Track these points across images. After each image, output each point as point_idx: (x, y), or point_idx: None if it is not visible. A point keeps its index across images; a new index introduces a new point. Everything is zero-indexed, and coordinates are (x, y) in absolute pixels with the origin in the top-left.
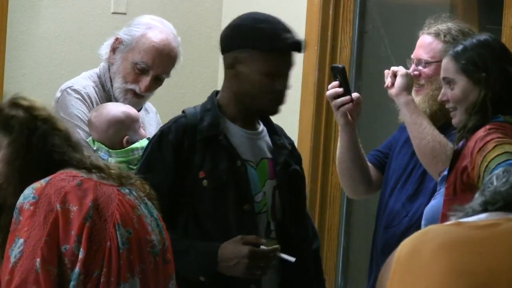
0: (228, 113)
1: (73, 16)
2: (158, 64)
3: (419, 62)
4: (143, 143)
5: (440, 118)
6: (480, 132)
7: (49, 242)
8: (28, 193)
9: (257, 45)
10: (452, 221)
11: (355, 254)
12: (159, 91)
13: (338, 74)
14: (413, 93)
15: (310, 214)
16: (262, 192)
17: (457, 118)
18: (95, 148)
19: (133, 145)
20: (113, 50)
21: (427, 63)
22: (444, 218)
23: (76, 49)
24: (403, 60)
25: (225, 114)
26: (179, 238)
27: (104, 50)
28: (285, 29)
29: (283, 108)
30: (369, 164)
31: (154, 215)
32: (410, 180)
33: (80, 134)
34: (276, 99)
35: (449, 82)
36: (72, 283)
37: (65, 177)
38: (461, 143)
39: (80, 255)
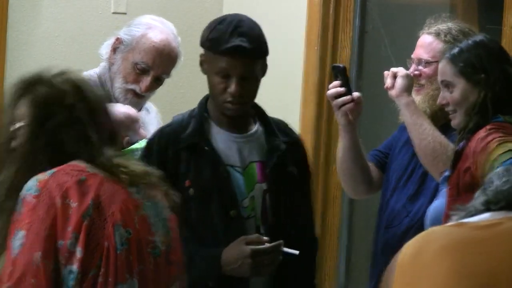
0: (214, 117)
1: (74, 16)
2: (158, 64)
3: (419, 62)
4: (143, 143)
5: (440, 118)
6: (481, 133)
7: (49, 236)
8: (32, 184)
9: (207, 46)
10: (454, 220)
11: (357, 254)
12: (159, 91)
13: (339, 73)
14: (413, 93)
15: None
16: (250, 197)
17: (456, 120)
18: None
19: (133, 146)
20: (114, 50)
21: (427, 63)
22: (447, 219)
23: (76, 49)
24: (403, 60)
25: (213, 119)
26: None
27: (105, 50)
28: (239, 33)
29: (284, 107)
30: (369, 164)
31: (162, 215)
32: (411, 180)
33: None
34: (231, 101)
35: (447, 85)
36: (71, 282)
37: (71, 171)
38: (461, 143)
39: (79, 254)
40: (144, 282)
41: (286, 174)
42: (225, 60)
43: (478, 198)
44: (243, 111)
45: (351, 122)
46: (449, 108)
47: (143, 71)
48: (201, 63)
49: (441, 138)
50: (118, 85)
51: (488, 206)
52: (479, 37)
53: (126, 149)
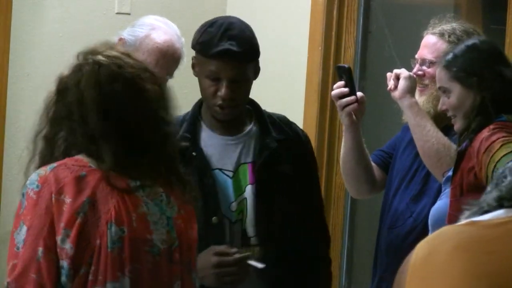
0: (206, 121)
1: (77, 16)
2: (161, 65)
3: (423, 62)
4: None
5: (444, 119)
6: (485, 132)
7: (50, 232)
8: (34, 179)
9: (198, 49)
10: (466, 215)
11: (359, 254)
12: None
13: (344, 74)
14: (417, 93)
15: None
16: (239, 200)
17: (457, 125)
18: None
19: None
20: None
21: (431, 63)
22: (450, 219)
23: (80, 49)
24: (407, 60)
25: (205, 122)
26: None
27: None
28: (229, 36)
29: (287, 107)
30: (373, 164)
31: (167, 213)
32: (414, 180)
33: None
34: (221, 105)
35: (444, 91)
36: (63, 278)
37: (72, 166)
38: (464, 143)
39: (69, 251)
40: (139, 281)
41: (277, 174)
42: (215, 63)
43: (491, 194)
44: (233, 115)
45: (354, 122)
46: (449, 114)
47: None
48: (193, 66)
49: (445, 139)
50: None
51: (501, 203)
52: (471, 40)
53: None
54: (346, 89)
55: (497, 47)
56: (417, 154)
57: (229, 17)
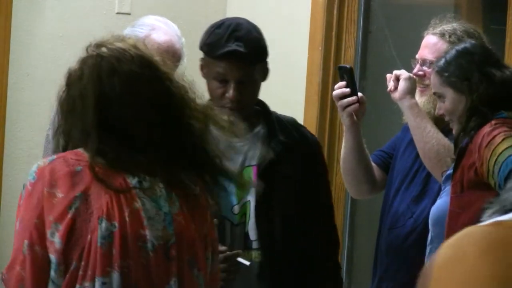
0: None
1: (77, 16)
2: None
3: (424, 62)
4: None
5: (444, 119)
6: (486, 128)
7: (39, 224)
8: (32, 171)
9: (205, 51)
10: (488, 214)
11: (359, 254)
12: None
13: (345, 74)
14: (417, 93)
15: None
16: (242, 203)
17: (454, 129)
18: None
19: None
20: None
21: (432, 64)
22: (451, 215)
23: (80, 49)
24: (407, 60)
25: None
26: None
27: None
28: (236, 37)
29: (288, 108)
30: (373, 164)
31: (164, 209)
32: (415, 181)
33: None
34: (229, 106)
35: (439, 96)
36: (52, 273)
37: (70, 160)
38: (465, 141)
39: (57, 245)
40: (130, 276)
41: (281, 178)
42: (222, 65)
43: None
44: (241, 117)
45: (355, 122)
46: (446, 118)
47: None
48: (201, 68)
49: (445, 140)
50: None
51: None
52: (462, 45)
53: None
54: (347, 90)
55: (488, 50)
56: (417, 155)
57: (237, 18)
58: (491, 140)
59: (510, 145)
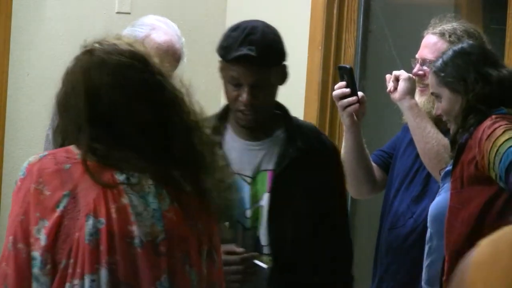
0: (232, 124)
1: (77, 16)
2: None
3: (424, 62)
4: None
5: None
6: (487, 122)
7: (24, 221)
8: (23, 167)
9: (220, 54)
10: None
11: (359, 254)
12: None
13: (345, 74)
14: (417, 93)
15: None
16: (254, 207)
17: (451, 129)
18: None
19: None
20: None
21: (431, 63)
22: (451, 211)
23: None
24: (407, 60)
25: (231, 124)
26: None
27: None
28: (249, 41)
29: (288, 107)
30: (373, 164)
31: (152, 206)
32: (415, 181)
33: None
34: (243, 110)
35: (437, 96)
36: (35, 270)
37: (60, 157)
38: (464, 136)
39: (42, 242)
40: (118, 273)
41: (296, 184)
42: (235, 68)
43: None
44: (256, 121)
45: (355, 122)
46: (444, 118)
47: None
48: (219, 70)
49: (445, 141)
50: None
51: None
52: (460, 45)
53: None
54: (347, 90)
55: (485, 50)
56: (417, 155)
57: (254, 21)
58: (491, 132)
59: (511, 137)
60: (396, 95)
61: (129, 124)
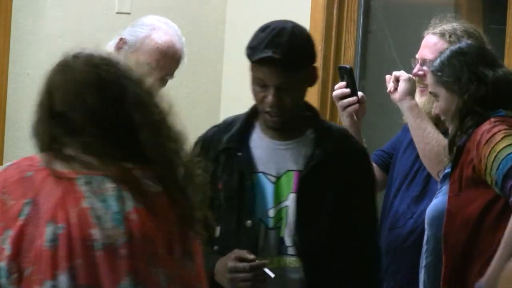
0: (260, 123)
1: (77, 15)
2: (162, 66)
3: (424, 62)
4: None
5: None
6: (486, 125)
7: None
8: None
9: (247, 54)
10: None
11: None
12: (162, 91)
13: (345, 74)
14: (418, 93)
15: None
16: (278, 207)
17: (449, 129)
18: None
19: None
20: (118, 50)
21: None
22: (449, 214)
23: (80, 48)
24: (407, 60)
25: (260, 124)
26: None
27: (109, 50)
28: (275, 43)
29: None
30: (373, 164)
31: (115, 208)
32: (415, 181)
33: None
34: (269, 112)
35: (435, 96)
36: (2, 280)
37: (23, 165)
38: (463, 139)
39: (7, 252)
40: (78, 277)
41: (322, 187)
42: (261, 70)
43: None
44: (282, 123)
45: (355, 122)
46: (442, 118)
47: None
48: (249, 70)
49: (445, 141)
50: None
51: None
52: (457, 45)
53: None
54: (347, 90)
55: (482, 50)
56: (417, 156)
57: (285, 22)
58: (490, 137)
59: (510, 143)
60: (396, 96)
61: (85, 122)
